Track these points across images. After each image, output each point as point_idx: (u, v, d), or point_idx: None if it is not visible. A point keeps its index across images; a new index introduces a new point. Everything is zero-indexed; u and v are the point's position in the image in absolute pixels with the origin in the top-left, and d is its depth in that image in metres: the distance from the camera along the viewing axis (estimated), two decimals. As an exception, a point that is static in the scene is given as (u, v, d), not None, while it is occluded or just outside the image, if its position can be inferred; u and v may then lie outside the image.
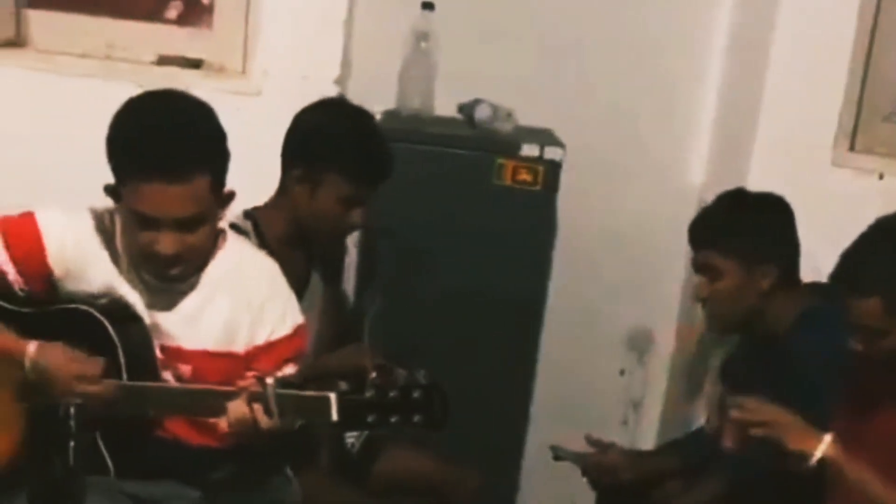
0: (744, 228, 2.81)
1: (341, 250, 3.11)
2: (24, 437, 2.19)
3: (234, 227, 2.55)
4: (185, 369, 2.32)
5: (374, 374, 2.09)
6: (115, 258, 2.31)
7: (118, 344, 2.23)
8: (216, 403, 2.16)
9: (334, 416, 2.09)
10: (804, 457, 2.23)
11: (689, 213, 3.66)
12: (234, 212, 2.55)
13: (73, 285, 2.30)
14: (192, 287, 2.33)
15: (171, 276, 2.27)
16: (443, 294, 3.40)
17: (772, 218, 2.83)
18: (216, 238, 2.35)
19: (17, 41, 3.48)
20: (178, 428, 2.34)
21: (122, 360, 2.23)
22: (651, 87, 3.71)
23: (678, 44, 3.69)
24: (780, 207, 2.83)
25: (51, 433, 1.82)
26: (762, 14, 3.35)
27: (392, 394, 2.08)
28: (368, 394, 2.08)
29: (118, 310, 2.29)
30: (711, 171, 3.66)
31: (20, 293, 2.30)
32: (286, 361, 2.36)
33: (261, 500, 2.41)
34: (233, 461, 2.35)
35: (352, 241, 3.49)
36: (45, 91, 3.35)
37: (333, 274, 3.05)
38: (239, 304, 2.35)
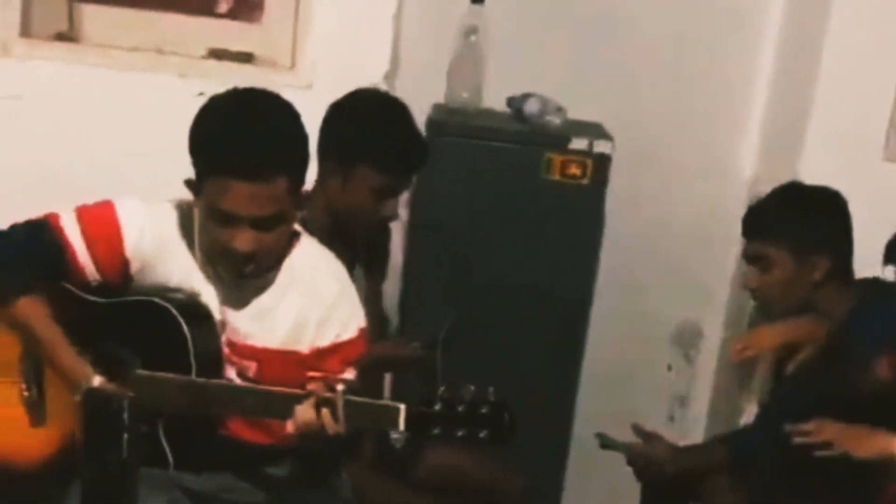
0: (796, 219, 2.82)
1: (384, 244, 3.10)
2: (80, 429, 2.21)
3: None
4: (251, 366, 2.33)
5: (442, 388, 2.09)
6: (192, 252, 2.32)
7: (189, 341, 2.24)
8: (284, 406, 2.16)
9: (401, 427, 2.10)
10: (883, 460, 2.22)
11: (739, 207, 3.64)
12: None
13: (149, 278, 2.31)
14: (265, 285, 2.34)
15: (244, 274, 2.27)
16: (489, 289, 3.40)
17: (825, 210, 2.82)
18: (291, 238, 2.35)
19: (69, 35, 3.51)
20: (236, 426, 2.35)
21: (192, 357, 2.23)
22: (702, 80, 3.69)
23: (730, 36, 3.66)
24: (834, 200, 2.82)
25: (105, 426, 1.83)
26: (815, 7, 3.33)
27: (460, 408, 2.08)
28: (437, 407, 2.08)
29: (191, 305, 2.29)
30: (762, 165, 3.64)
31: (93, 284, 2.30)
32: (348, 364, 2.37)
33: (318, 499, 2.41)
34: (290, 460, 2.35)
35: (398, 236, 3.51)
36: (96, 85, 3.37)
37: (377, 268, 3.05)
38: (308, 305, 2.35)
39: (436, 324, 2.98)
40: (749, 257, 2.89)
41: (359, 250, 2.91)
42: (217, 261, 2.29)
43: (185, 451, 2.27)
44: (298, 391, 2.17)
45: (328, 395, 2.14)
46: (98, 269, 2.29)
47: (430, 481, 2.98)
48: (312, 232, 2.68)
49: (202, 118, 2.24)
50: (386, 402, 2.16)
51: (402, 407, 2.10)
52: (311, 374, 2.30)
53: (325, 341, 2.36)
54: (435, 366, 2.96)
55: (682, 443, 3.30)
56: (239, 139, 2.17)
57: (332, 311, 2.37)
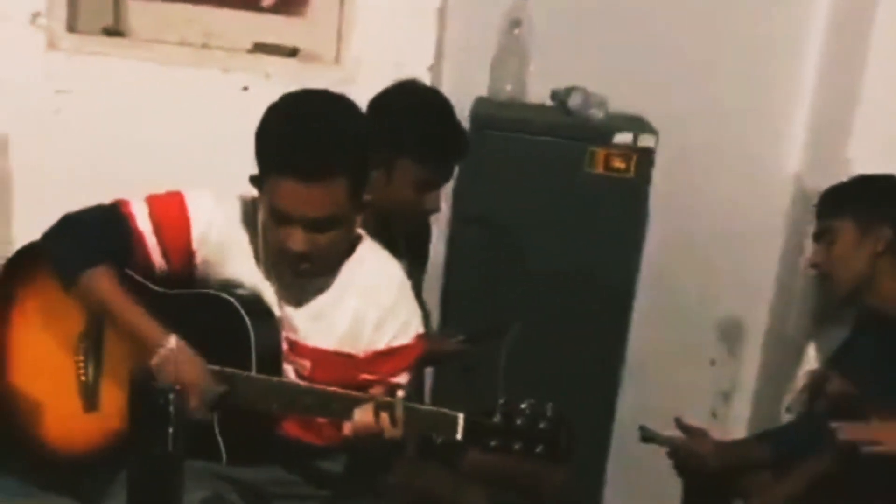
0: (863, 193, 2.89)
1: (426, 238, 3.11)
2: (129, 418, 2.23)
3: None
4: (306, 364, 2.34)
5: (502, 400, 2.09)
6: (255, 248, 2.33)
7: (252, 336, 2.25)
8: (343, 407, 2.17)
9: (459, 436, 2.10)
10: None
11: (784, 201, 3.64)
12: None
13: (212, 270, 2.32)
14: (324, 286, 2.34)
15: (299, 273, 2.28)
16: (532, 282, 3.40)
17: (891, 188, 2.88)
18: (351, 241, 2.36)
19: (115, 30, 3.54)
20: (290, 426, 2.35)
21: (253, 352, 2.24)
22: (747, 72, 3.66)
23: (775, 29, 3.63)
24: None
25: (151, 419, 1.85)
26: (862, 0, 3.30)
27: (519, 421, 2.08)
28: (496, 419, 2.08)
29: (254, 301, 2.30)
30: (807, 159, 3.61)
31: (158, 272, 2.32)
32: (402, 370, 2.37)
33: (364, 494, 2.42)
34: (341, 459, 2.36)
35: (442, 228, 3.52)
36: (142, 79, 3.40)
37: (418, 263, 3.05)
38: (366, 308, 2.35)
39: (498, 328, 2.96)
40: (816, 235, 2.95)
41: (400, 245, 2.91)
42: (276, 258, 2.30)
43: (238, 447, 2.28)
44: (359, 394, 2.18)
45: (388, 399, 2.15)
46: (164, 255, 2.30)
47: (474, 473, 2.98)
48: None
49: (268, 116, 2.24)
50: (445, 410, 2.14)
51: (461, 416, 2.10)
52: (365, 377, 2.32)
53: (380, 344, 2.36)
54: (474, 359, 2.95)
55: (724, 439, 3.28)
56: (296, 139, 2.17)
57: (389, 315, 2.37)
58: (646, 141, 3.34)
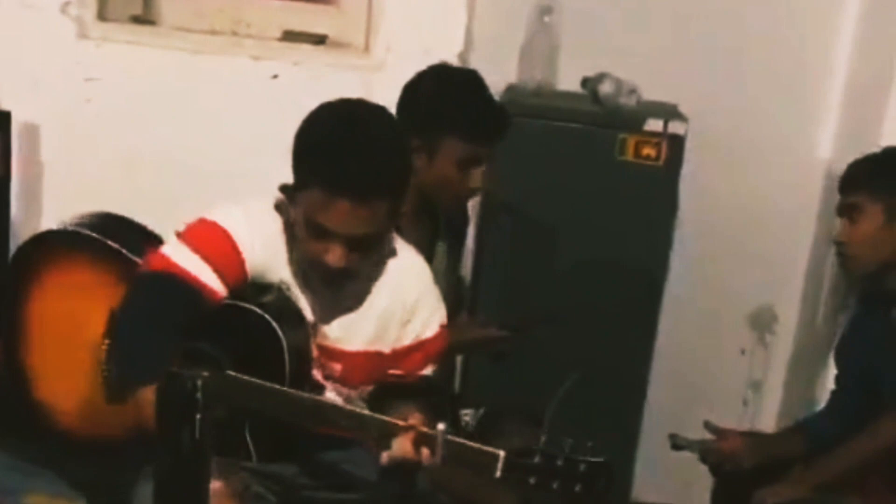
0: (890, 172, 2.82)
1: (465, 222, 3.10)
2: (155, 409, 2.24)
3: None
4: (336, 367, 2.34)
5: (543, 438, 2.08)
6: (289, 257, 2.32)
7: (285, 347, 2.23)
8: (380, 434, 2.14)
9: (498, 474, 2.08)
10: None
11: (816, 189, 3.61)
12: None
13: (256, 282, 2.30)
14: (356, 289, 2.34)
15: (330, 284, 2.28)
16: (562, 270, 3.39)
17: None
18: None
19: (145, 18, 3.55)
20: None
21: (286, 363, 2.23)
22: (778, 59, 3.63)
23: (807, 15, 3.60)
24: None
25: (179, 406, 1.85)
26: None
27: (559, 462, 2.07)
28: (536, 458, 2.07)
29: (285, 308, 2.29)
30: (840, 145, 3.57)
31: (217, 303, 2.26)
32: (429, 362, 2.38)
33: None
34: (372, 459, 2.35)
35: (473, 216, 3.51)
36: (171, 67, 3.41)
37: (457, 246, 3.05)
38: (393, 305, 2.36)
39: (543, 316, 2.95)
40: (841, 208, 2.88)
41: (441, 227, 2.91)
42: (308, 267, 2.29)
43: (268, 450, 2.27)
44: (398, 421, 2.14)
45: (430, 431, 2.12)
46: (225, 285, 2.25)
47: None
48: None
49: (314, 127, 2.21)
50: (485, 448, 2.12)
51: (502, 454, 2.08)
52: (393, 371, 2.33)
53: (407, 340, 2.37)
54: (510, 346, 2.94)
55: (754, 428, 3.26)
56: (354, 160, 2.15)
57: (415, 310, 2.38)
58: (676, 128, 3.32)
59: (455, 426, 2.98)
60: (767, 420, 3.77)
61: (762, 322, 3.84)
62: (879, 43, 3.37)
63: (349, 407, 2.24)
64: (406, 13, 3.35)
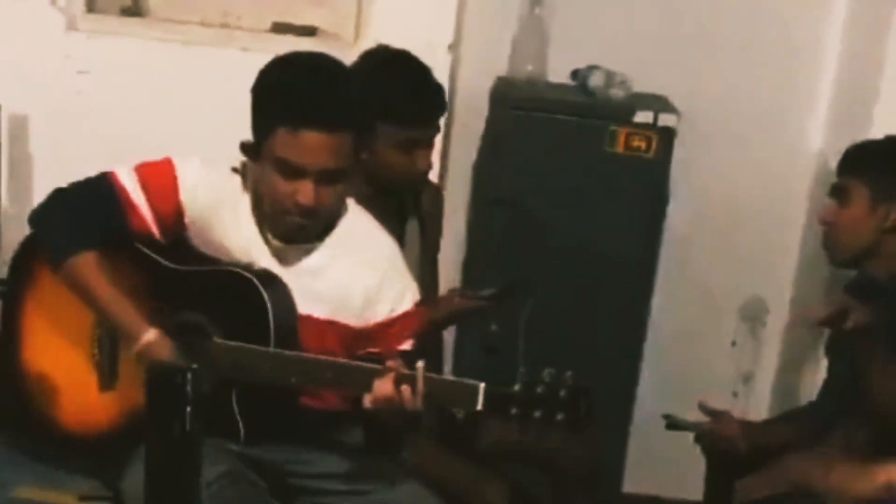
0: (882, 162, 2.82)
1: (437, 206, 3.07)
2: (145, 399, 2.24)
3: None
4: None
5: (522, 369, 2.09)
6: (246, 216, 2.34)
7: (270, 311, 2.25)
8: (362, 380, 2.17)
9: (479, 406, 2.10)
10: None
11: (807, 180, 3.62)
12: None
13: (201, 233, 2.33)
14: (312, 252, 2.35)
15: (300, 231, 2.30)
16: (553, 262, 3.39)
17: None
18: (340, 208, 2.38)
19: (135, 10, 3.54)
20: (306, 398, 2.36)
21: (272, 328, 2.25)
22: (769, 53, 3.64)
23: (798, 8, 3.61)
24: None
25: (168, 398, 1.85)
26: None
27: (539, 389, 2.08)
28: (516, 387, 2.09)
29: (268, 275, 2.31)
30: (830, 138, 3.58)
31: (160, 239, 2.32)
32: (406, 338, 2.38)
33: (382, 472, 2.42)
34: (357, 429, 2.36)
35: (464, 208, 3.52)
36: (161, 59, 3.40)
37: (431, 229, 3.02)
38: (356, 276, 2.36)
39: (518, 286, 2.94)
40: (833, 189, 2.89)
41: (407, 210, 2.90)
42: (272, 220, 2.31)
43: (256, 424, 2.29)
44: (378, 366, 2.18)
45: (408, 371, 2.15)
46: (157, 220, 2.31)
47: (493, 453, 2.98)
48: (355, 200, 2.69)
49: (272, 73, 2.28)
50: (465, 380, 2.15)
51: (482, 386, 2.10)
52: (370, 350, 2.33)
53: (379, 316, 2.37)
54: (491, 313, 2.93)
55: (743, 419, 3.27)
56: (319, 90, 2.22)
57: (383, 285, 2.38)
58: (667, 120, 3.33)
59: (445, 418, 2.98)
60: (758, 411, 3.77)
61: (753, 314, 3.84)
62: (869, 34, 3.38)
63: (332, 358, 2.26)
64: (396, 5, 3.34)
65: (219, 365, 2.22)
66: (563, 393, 2.07)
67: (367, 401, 2.16)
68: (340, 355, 2.27)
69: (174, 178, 2.31)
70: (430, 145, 2.77)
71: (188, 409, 1.78)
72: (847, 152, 2.90)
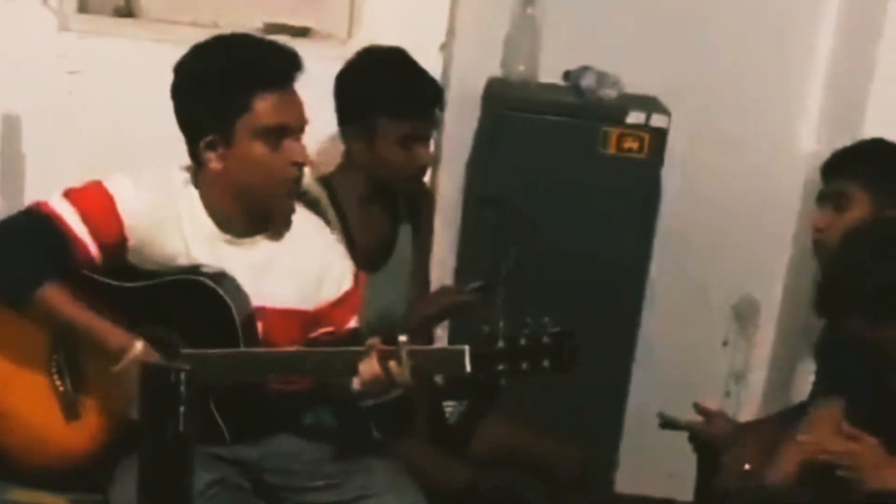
0: (880, 166, 2.78)
1: (428, 204, 3.08)
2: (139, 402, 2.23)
3: (305, 193, 2.59)
4: (259, 326, 2.35)
5: (502, 324, 2.11)
6: (190, 218, 2.34)
7: (234, 310, 2.26)
8: (346, 364, 2.20)
9: (467, 368, 2.12)
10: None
11: (799, 182, 3.62)
12: (307, 179, 2.59)
13: (146, 252, 2.32)
14: (260, 245, 2.39)
15: (291, 194, 2.36)
16: (545, 262, 3.39)
17: None
18: None
19: (127, 10, 3.53)
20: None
21: (238, 326, 2.26)
22: (761, 53, 3.64)
23: (789, 9, 3.61)
24: None
25: (162, 398, 1.85)
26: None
27: (522, 341, 2.10)
28: (500, 344, 2.10)
29: (221, 276, 2.31)
30: (822, 139, 3.58)
31: (100, 264, 2.30)
32: (352, 314, 2.44)
33: (375, 467, 2.43)
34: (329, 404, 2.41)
35: (456, 208, 3.51)
36: (153, 60, 3.36)
37: (423, 229, 3.03)
38: (305, 262, 2.40)
39: (498, 260, 2.95)
40: (826, 195, 2.84)
41: (402, 210, 2.91)
42: (271, 193, 2.33)
43: (238, 421, 2.30)
44: (358, 348, 2.20)
45: (391, 347, 2.17)
46: (98, 245, 2.28)
47: (485, 455, 2.98)
48: (352, 202, 2.70)
49: (211, 56, 2.35)
50: (449, 346, 2.17)
51: (466, 348, 2.12)
52: (322, 330, 2.38)
53: (331, 295, 2.41)
54: (493, 307, 2.94)
55: (737, 419, 3.27)
56: (271, 53, 2.32)
57: (331, 264, 2.43)
58: (658, 121, 3.33)
59: (437, 421, 2.98)
60: (750, 411, 3.78)
61: (745, 313, 3.85)
62: (861, 36, 3.38)
63: (307, 349, 2.30)
64: (388, 5, 3.33)
65: (197, 375, 2.20)
66: (545, 339, 2.10)
67: (357, 383, 2.19)
68: (291, 341, 2.30)
69: (113, 205, 2.29)
70: (429, 140, 2.79)
71: (182, 409, 1.79)
72: (838, 156, 2.87)
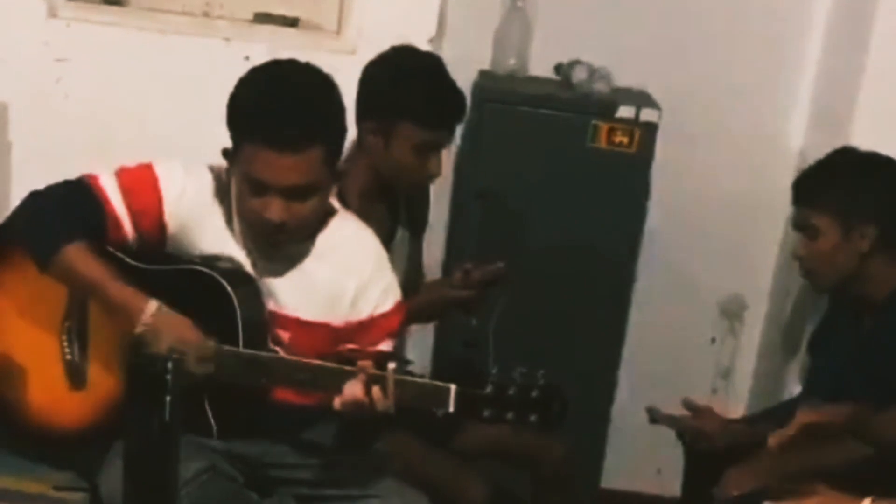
0: (843, 186, 2.75)
1: (424, 204, 3.09)
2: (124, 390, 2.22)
3: None
4: (284, 335, 2.34)
5: (494, 370, 2.09)
6: (228, 219, 2.33)
7: (237, 309, 2.24)
8: (333, 382, 2.17)
9: (451, 408, 2.11)
10: None
11: (788, 178, 3.58)
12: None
13: (185, 241, 2.32)
14: (300, 255, 2.35)
15: (276, 243, 2.29)
16: (533, 257, 3.39)
17: (874, 177, 2.76)
18: (326, 210, 2.36)
19: (117, -1, 3.52)
20: (279, 392, 2.35)
21: (240, 326, 2.24)
22: (752, 49, 3.64)
23: (779, 6, 3.61)
24: (885, 167, 2.76)
25: (149, 387, 1.84)
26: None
27: (511, 391, 2.09)
28: (488, 389, 2.09)
29: (236, 273, 2.30)
30: (811, 135, 3.59)
31: (132, 244, 2.31)
32: (385, 337, 2.39)
33: (360, 465, 2.41)
34: (332, 424, 2.35)
35: (445, 201, 3.50)
36: (142, 48, 3.37)
37: (419, 229, 3.04)
38: (344, 279, 2.36)
39: (500, 274, 2.93)
40: (797, 225, 2.85)
41: (401, 213, 2.90)
42: (251, 229, 2.30)
43: (229, 420, 2.28)
44: (349, 367, 2.17)
45: (379, 372, 2.14)
46: (136, 227, 2.29)
47: (471, 449, 2.98)
48: (353, 194, 2.68)
49: (240, 87, 2.26)
50: (436, 382, 2.15)
51: (453, 388, 2.11)
52: (349, 346, 2.33)
53: (361, 315, 2.37)
54: (476, 303, 2.93)
55: (724, 416, 3.27)
56: (271, 109, 2.19)
57: (368, 285, 2.38)
58: (649, 115, 3.33)
59: (424, 414, 2.97)
60: (737, 408, 3.78)
61: (732, 311, 3.85)
62: (851, 34, 3.38)
63: (299, 359, 2.26)
64: (379, -3, 3.33)
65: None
66: (535, 393, 2.09)
67: (337, 403, 2.16)
68: (314, 353, 2.26)
69: (157, 189, 2.29)
70: (442, 151, 2.78)
71: (168, 398, 1.78)
72: (802, 182, 2.85)
